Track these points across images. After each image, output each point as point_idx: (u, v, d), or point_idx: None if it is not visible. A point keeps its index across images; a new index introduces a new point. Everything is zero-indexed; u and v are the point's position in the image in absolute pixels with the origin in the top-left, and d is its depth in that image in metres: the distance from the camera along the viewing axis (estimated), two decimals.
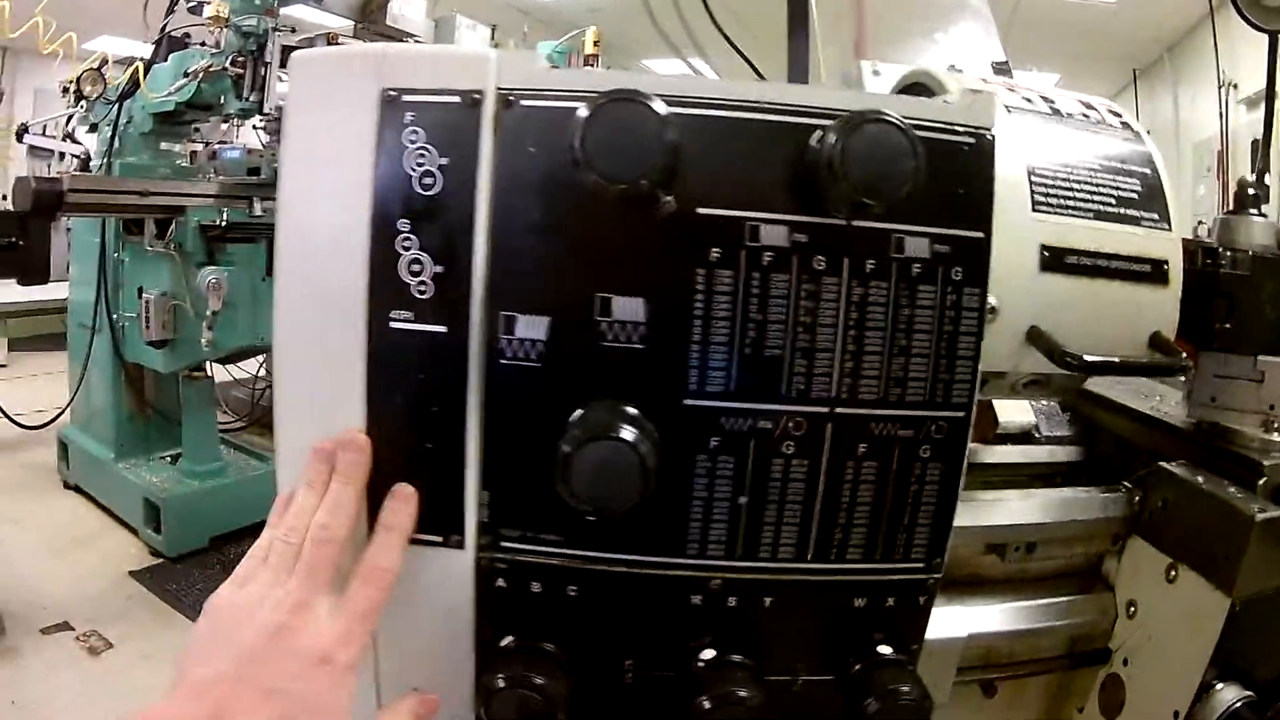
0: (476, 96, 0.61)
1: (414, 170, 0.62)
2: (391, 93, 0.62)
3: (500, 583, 0.66)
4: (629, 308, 0.61)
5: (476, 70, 0.62)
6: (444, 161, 0.62)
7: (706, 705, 0.63)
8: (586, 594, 0.66)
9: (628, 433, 0.57)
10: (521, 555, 0.66)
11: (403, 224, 0.62)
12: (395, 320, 0.63)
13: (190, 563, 3.31)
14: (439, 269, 0.62)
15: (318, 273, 0.63)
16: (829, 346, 0.63)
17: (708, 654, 0.67)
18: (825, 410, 0.64)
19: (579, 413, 0.61)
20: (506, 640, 0.67)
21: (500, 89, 0.62)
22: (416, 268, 0.62)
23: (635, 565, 0.65)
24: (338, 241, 0.63)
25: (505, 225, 0.61)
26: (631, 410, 0.61)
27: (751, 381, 0.63)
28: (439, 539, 0.66)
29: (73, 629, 2.79)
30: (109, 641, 2.75)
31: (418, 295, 0.62)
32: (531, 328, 0.62)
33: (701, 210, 0.61)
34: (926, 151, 0.58)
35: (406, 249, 0.62)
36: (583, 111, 0.56)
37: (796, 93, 0.62)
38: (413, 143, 0.62)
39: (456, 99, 0.62)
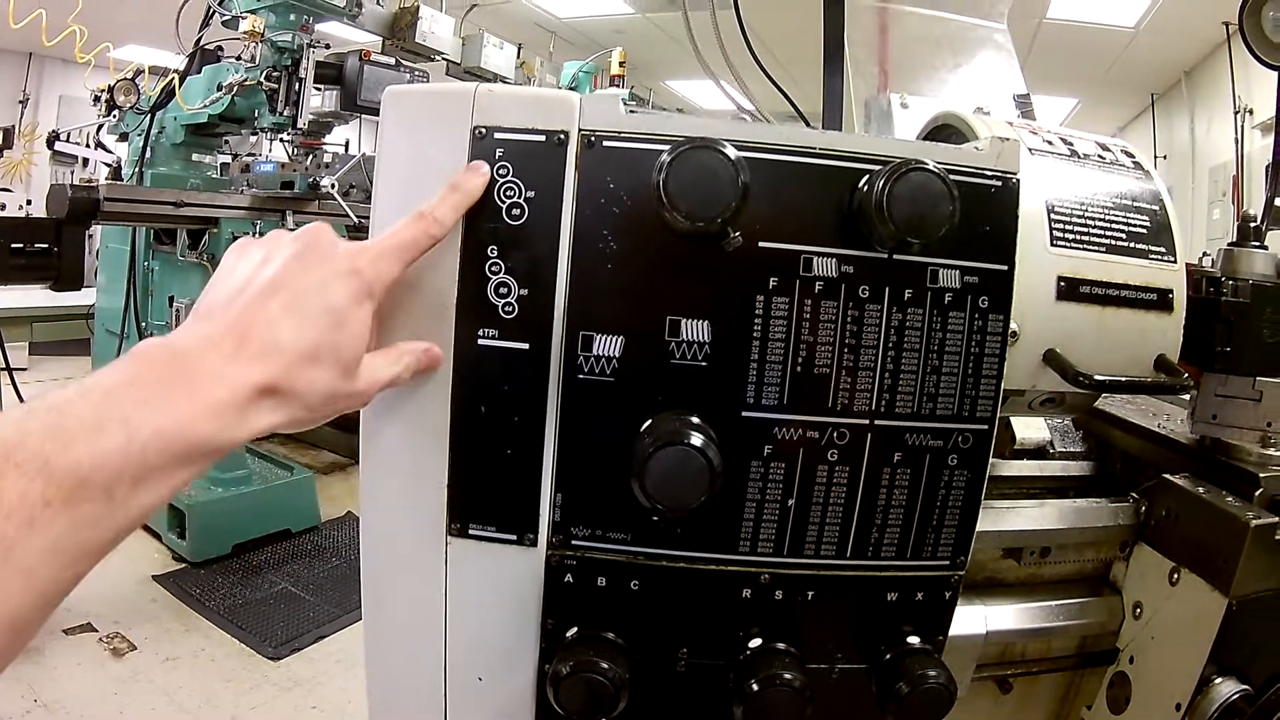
0: (561, 137, 0.68)
1: (503, 202, 0.68)
2: (482, 130, 0.69)
3: (568, 578, 0.72)
4: (696, 329, 0.68)
5: (562, 112, 0.69)
6: (530, 194, 0.68)
7: (755, 687, 0.69)
8: (648, 588, 0.73)
9: (696, 439, 0.63)
10: (590, 552, 0.72)
11: (492, 250, 0.69)
12: (482, 337, 0.69)
13: (213, 569, 3.37)
14: (524, 291, 0.69)
15: (409, 291, 0.69)
16: (871, 365, 0.70)
17: (755, 643, 0.73)
18: (866, 422, 0.71)
19: (649, 422, 0.68)
20: (571, 631, 0.73)
21: (583, 130, 0.68)
22: (504, 290, 0.69)
23: (694, 561, 0.72)
24: (429, 263, 0.68)
25: (585, 253, 0.68)
26: (696, 420, 0.68)
27: (802, 396, 0.69)
28: (513, 538, 0.72)
29: (96, 630, 2.85)
30: (132, 643, 2.80)
31: (504, 315, 0.69)
32: (607, 346, 0.69)
33: (762, 244, 0.68)
34: (960, 194, 0.65)
35: (495, 273, 0.69)
36: (665, 157, 0.63)
37: (846, 140, 0.69)
38: (502, 176, 0.68)
39: (542, 138, 0.69)
